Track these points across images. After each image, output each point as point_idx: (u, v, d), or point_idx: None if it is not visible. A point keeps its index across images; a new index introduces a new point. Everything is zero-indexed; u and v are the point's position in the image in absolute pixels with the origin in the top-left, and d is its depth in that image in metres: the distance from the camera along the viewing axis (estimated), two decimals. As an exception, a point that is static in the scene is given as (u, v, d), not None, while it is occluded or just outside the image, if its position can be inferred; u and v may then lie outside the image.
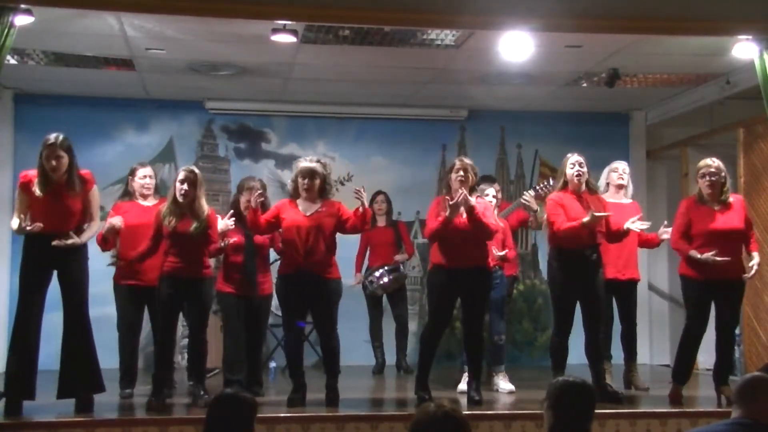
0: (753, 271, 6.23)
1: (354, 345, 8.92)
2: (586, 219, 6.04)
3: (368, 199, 8.48)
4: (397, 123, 9.58)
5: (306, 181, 6.10)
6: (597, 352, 6.28)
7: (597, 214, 6.03)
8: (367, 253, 8.58)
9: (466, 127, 9.76)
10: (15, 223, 5.66)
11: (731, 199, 6.29)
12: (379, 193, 8.62)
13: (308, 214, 6.08)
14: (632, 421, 5.71)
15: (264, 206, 6.26)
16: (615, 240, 6.40)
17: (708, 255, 6.09)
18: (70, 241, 5.66)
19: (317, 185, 6.12)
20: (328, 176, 6.25)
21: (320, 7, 6.15)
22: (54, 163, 5.61)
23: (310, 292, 6.05)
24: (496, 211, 6.73)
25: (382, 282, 8.16)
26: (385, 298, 8.56)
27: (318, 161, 6.30)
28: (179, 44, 7.27)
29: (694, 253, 6.17)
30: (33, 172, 5.69)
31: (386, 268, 8.21)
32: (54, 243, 5.60)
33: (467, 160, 6.23)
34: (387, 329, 8.65)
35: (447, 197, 6.07)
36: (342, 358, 8.99)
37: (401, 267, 8.35)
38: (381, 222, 8.55)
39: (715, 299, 6.28)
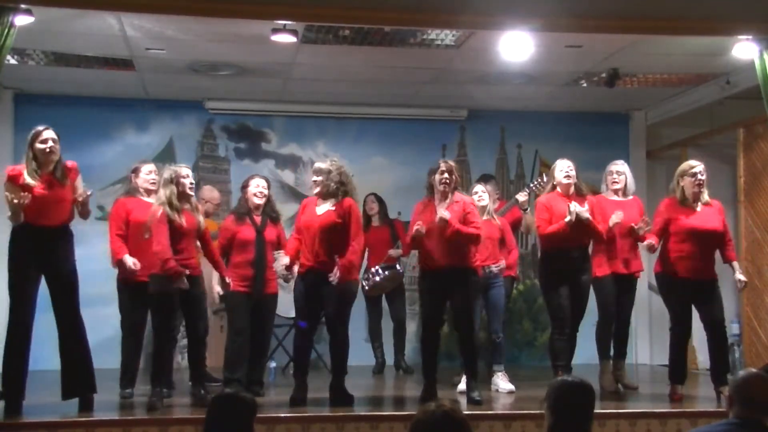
0: (743, 285, 6.48)
1: (354, 345, 8.90)
2: (567, 218, 6.15)
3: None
4: (397, 123, 9.58)
5: (314, 178, 6.19)
6: (571, 351, 6.43)
7: (576, 210, 6.10)
8: (366, 254, 8.58)
9: (466, 127, 9.76)
10: (10, 209, 5.61)
11: (711, 200, 6.43)
12: (369, 194, 8.62)
13: (319, 213, 6.12)
14: (632, 421, 5.72)
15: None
16: (609, 236, 6.49)
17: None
18: (89, 192, 5.70)
19: (322, 183, 6.13)
20: (337, 175, 6.17)
21: (320, 7, 6.16)
22: (52, 144, 5.65)
23: (323, 290, 6.06)
24: (495, 205, 6.83)
25: (376, 279, 8.12)
26: (385, 299, 8.56)
27: (332, 161, 6.37)
28: (179, 44, 7.27)
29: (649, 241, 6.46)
30: (21, 166, 5.68)
31: (381, 266, 8.20)
32: (80, 196, 5.64)
33: (451, 162, 6.29)
34: (387, 329, 8.65)
35: (428, 200, 6.19)
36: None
37: (397, 265, 8.31)
38: (376, 222, 8.54)
39: (695, 301, 6.38)
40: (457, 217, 6.08)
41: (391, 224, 8.59)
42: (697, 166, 6.42)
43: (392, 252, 8.39)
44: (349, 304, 6.25)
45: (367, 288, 8.25)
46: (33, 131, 5.71)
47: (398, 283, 8.37)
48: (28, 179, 5.60)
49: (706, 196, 6.41)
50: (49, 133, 5.69)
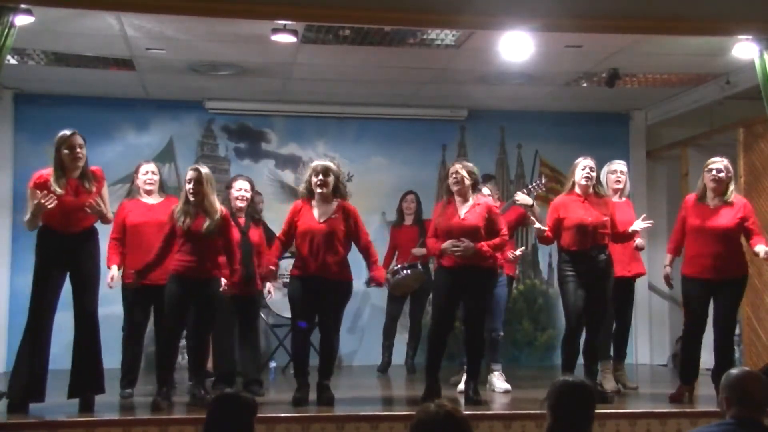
0: (763, 253, 6.24)
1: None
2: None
3: (398, 199, 8.65)
4: (397, 123, 9.58)
5: (320, 177, 6.08)
6: (595, 352, 6.33)
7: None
8: (396, 254, 8.50)
9: (466, 127, 9.76)
10: (28, 215, 5.62)
11: (734, 200, 6.32)
12: (409, 192, 8.62)
13: (322, 220, 6.09)
14: (632, 421, 5.72)
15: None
16: (621, 241, 6.43)
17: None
18: (96, 206, 5.64)
19: (331, 183, 6.11)
20: (341, 175, 6.26)
21: (320, 7, 6.16)
22: (78, 151, 5.64)
23: (320, 293, 6.08)
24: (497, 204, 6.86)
25: (398, 277, 8.05)
26: (409, 298, 8.50)
27: (331, 160, 6.38)
28: (179, 44, 7.27)
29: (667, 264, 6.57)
30: (47, 171, 5.68)
31: (404, 265, 8.16)
32: (86, 205, 5.58)
33: (459, 165, 6.28)
34: (402, 331, 8.68)
35: (446, 200, 6.22)
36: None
37: (419, 264, 8.24)
38: (408, 221, 8.53)
39: (714, 299, 6.32)
40: (478, 220, 6.12)
41: (422, 224, 8.49)
42: (715, 162, 6.30)
43: (415, 251, 8.24)
44: (345, 306, 6.30)
45: (389, 287, 8.21)
46: (59, 135, 5.68)
47: (422, 283, 8.28)
48: (55, 187, 5.60)
49: (729, 194, 6.28)
50: (76, 139, 5.66)
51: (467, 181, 6.18)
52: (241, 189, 6.68)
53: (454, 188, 6.18)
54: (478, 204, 6.20)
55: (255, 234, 6.71)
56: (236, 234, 6.52)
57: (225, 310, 6.48)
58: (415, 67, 8.06)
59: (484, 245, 6.08)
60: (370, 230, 8.92)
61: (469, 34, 6.98)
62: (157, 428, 5.42)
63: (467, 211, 6.16)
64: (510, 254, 6.83)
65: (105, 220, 5.89)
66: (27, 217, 5.67)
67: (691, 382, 6.45)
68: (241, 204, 6.65)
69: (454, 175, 6.18)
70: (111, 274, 6.41)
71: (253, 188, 6.81)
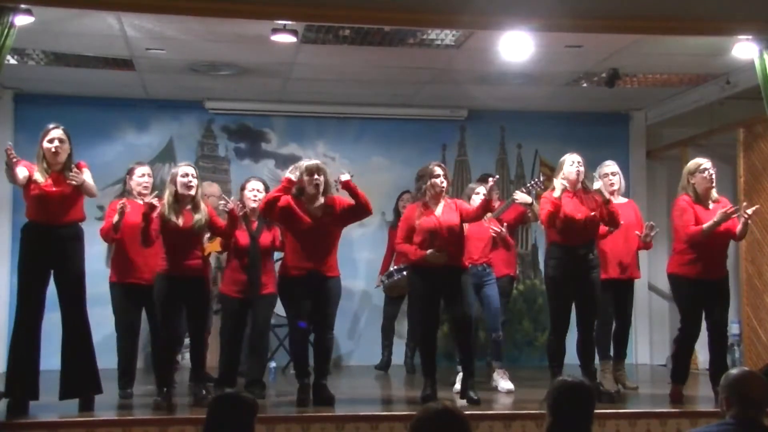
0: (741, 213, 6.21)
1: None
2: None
3: (395, 198, 8.70)
4: (397, 123, 9.58)
5: (315, 177, 6.12)
6: (589, 351, 6.34)
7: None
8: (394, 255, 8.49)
9: (466, 127, 9.76)
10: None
11: (719, 197, 6.38)
12: (405, 192, 8.62)
13: (317, 216, 6.11)
14: (632, 421, 5.72)
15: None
16: (612, 224, 6.35)
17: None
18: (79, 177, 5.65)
19: (323, 181, 6.15)
20: (328, 173, 6.28)
21: (320, 7, 6.16)
22: (57, 144, 5.65)
23: (314, 292, 6.09)
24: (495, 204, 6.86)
25: (394, 278, 8.03)
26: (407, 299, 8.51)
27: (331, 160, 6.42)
28: (179, 44, 7.27)
29: (708, 225, 6.14)
30: (35, 164, 5.70)
31: (401, 267, 8.15)
32: (70, 176, 5.59)
33: (440, 169, 6.30)
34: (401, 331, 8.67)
35: (421, 204, 6.25)
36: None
37: None
38: None
39: (705, 299, 6.33)
40: (455, 217, 6.18)
41: None
42: (706, 162, 6.37)
43: None
44: (338, 303, 6.30)
45: (384, 288, 8.22)
46: (44, 129, 5.72)
47: None
48: (37, 175, 5.63)
49: (715, 194, 6.36)
50: (56, 133, 5.69)
51: (448, 184, 6.32)
52: (253, 189, 6.62)
53: (438, 190, 6.22)
54: (450, 202, 6.29)
55: (267, 237, 6.59)
56: (245, 238, 6.50)
57: (229, 311, 6.49)
58: (415, 67, 8.06)
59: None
60: (369, 230, 9.06)
61: (469, 34, 6.98)
62: (157, 428, 5.42)
63: (442, 210, 6.21)
64: (487, 222, 6.80)
65: (88, 191, 5.81)
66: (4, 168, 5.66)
67: (685, 381, 6.45)
68: (253, 205, 6.58)
69: (441, 179, 6.22)
70: (121, 209, 6.21)
71: (267, 189, 6.71)
